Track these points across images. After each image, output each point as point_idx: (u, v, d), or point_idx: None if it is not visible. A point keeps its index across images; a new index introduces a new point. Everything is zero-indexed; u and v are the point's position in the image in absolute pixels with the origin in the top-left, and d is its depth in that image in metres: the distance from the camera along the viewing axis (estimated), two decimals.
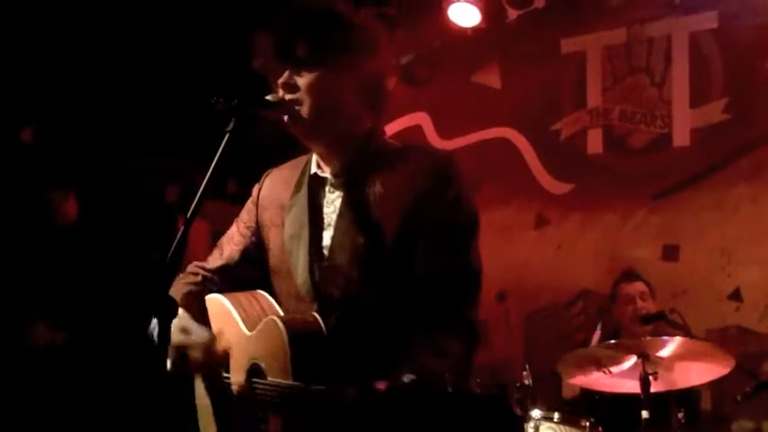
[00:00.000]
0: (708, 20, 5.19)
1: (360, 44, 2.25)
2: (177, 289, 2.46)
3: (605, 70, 5.53)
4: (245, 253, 2.48)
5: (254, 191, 2.52)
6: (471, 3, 5.53)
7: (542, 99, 5.66)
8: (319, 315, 2.16)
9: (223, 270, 2.49)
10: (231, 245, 2.51)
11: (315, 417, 2.00)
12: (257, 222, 2.48)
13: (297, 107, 2.23)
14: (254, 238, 2.48)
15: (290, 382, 2.06)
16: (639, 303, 4.52)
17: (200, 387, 2.43)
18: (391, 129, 5.49)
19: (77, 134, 5.43)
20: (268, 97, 2.25)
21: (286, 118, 2.25)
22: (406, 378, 1.97)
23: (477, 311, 2.21)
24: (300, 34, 2.23)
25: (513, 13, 5.57)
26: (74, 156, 5.42)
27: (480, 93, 5.84)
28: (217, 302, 2.41)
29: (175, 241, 2.04)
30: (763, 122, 5.01)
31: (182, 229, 2.06)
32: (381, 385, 1.90)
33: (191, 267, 2.56)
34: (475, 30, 5.63)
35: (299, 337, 2.11)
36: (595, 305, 5.31)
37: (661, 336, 4.09)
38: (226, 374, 2.33)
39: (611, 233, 5.35)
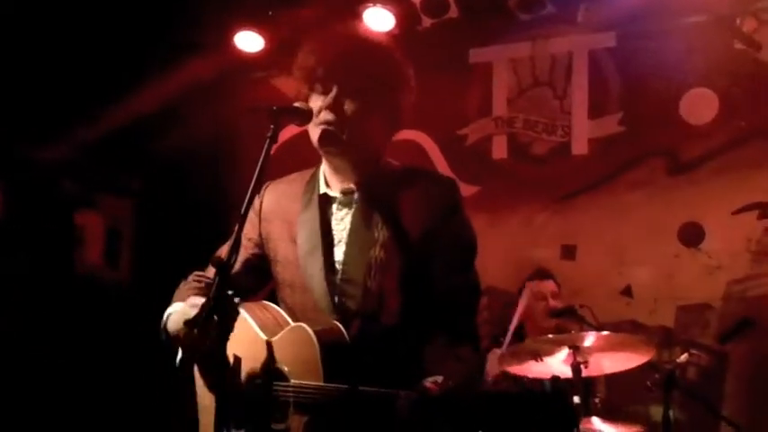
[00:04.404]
0: (606, 39, 5.65)
1: (399, 81, 2.47)
2: (182, 294, 2.55)
3: (510, 81, 5.89)
4: (248, 263, 2.58)
5: (256, 203, 2.59)
6: (387, 9, 5.75)
7: (450, 105, 5.94)
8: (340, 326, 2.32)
9: None
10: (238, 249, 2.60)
11: (361, 418, 2.14)
12: (260, 234, 2.59)
13: (336, 127, 2.39)
14: (257, 250, 2.59)
15: (336, 385, 2.19)
16: (551, 301, 4.89)
17: (201, 387, 2.49)
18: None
19: None
20: (296, 104, 2.40)
21: (320, 131, 2.40)
22: (437, 378, 2.14)
23: (476, 321, 2.45)
24: (355, 65, 2.39)
25: (426, 21, 5.80)
26: None
27: None
28: None
29: (231, 242, 2.14)
30: (654, 135, 5.51)
31: (236, 229, 2.16)
32: (432, 386, 2.09)
33: (192, 277, 2.64)
34: (388, 35, 5.84)
35: (328, 343, 2.26)
36: (500, 301, 5.65)
37: (567, 328, 4.48)
38: (241, 377, 2.40)
39: (514, 234, 5.72)
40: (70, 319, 5.44)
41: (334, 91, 2.39)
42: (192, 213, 6.05)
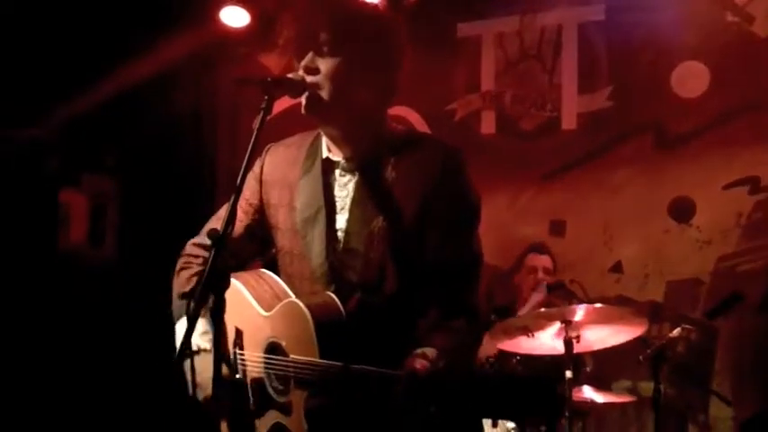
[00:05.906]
0: (595, 12, 5.56)
1: (381, 37, 2.37)
2: (183, 284, 2.48)
3: (498, 56, 5.82)
4: (249, 229, 2.51)
5: (257, 167, 2.53)
6: None
7: (438, 80, 5.84)
8: (337, 297, 2.26)
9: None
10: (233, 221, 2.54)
11: (356, 396, 2.12)
12: (261, 200, 2.51)
13: (317, 90, 2.31)
14: (257, 216, 2.52)
15: (329, 362, 2.16)
16: (540, 275, 4.87)
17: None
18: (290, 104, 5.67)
19: None
20: (289, 75, 2.32)
21: (304, 99, 2.32)
22: (429, 351, 2.15)
23: (477, 294, 2.41)
24: (326, 22, 2.31)
25: None
26: None
27: None
28: None
29: (226, 216, 2.07)
30: (643, 110, 5.46)
31: (230, 202, 2.09)
32: (420, 365, 2.07)
33: (189, 249, 2.56)
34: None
35: (323, 320, 2.21)
36: (486, 275, 5.60)
37: (557, 304, 4.46)
38: (240, 351, 2.39)
39: (502, 209, 5.66)
40: (54, 299, 5.39)
41: (310, 54, 2.32)
42: (177, 190, 5.99)
